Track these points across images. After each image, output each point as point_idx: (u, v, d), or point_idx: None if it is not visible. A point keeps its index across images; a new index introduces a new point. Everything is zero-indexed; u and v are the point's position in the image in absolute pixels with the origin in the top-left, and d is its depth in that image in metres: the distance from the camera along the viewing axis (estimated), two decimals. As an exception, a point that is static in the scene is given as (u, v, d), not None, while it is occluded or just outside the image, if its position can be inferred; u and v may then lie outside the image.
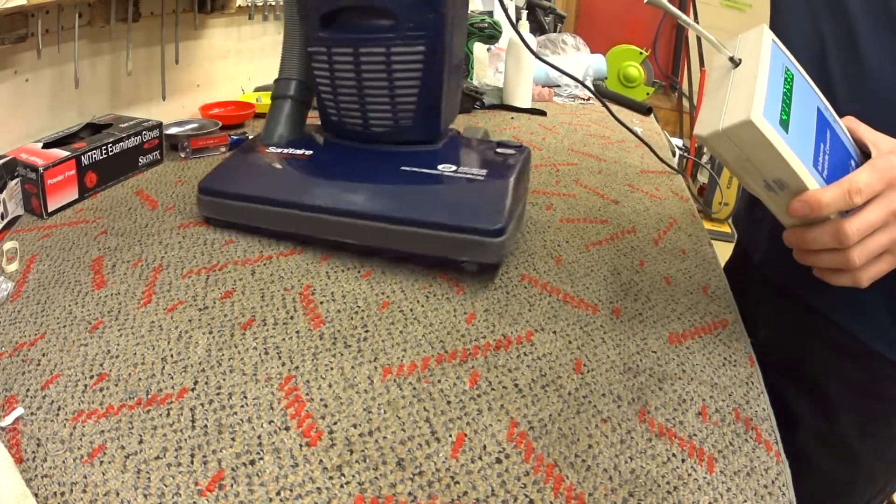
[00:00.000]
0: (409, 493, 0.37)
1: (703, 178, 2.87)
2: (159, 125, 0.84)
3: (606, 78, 1.57)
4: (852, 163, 0.43)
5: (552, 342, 0.52)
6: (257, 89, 1.22)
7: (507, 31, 1.39)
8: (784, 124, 0.39)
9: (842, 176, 0.41)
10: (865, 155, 0.43)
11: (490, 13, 1.55)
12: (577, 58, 1.49)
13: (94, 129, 0.80)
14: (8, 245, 0.60)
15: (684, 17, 0.43)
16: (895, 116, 0.46)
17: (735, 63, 0.43)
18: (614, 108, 1.09)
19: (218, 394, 0.44)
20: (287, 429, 0.41)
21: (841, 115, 0.46)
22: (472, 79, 1.39)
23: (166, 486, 0.37)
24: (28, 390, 0.44)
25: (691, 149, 2.36)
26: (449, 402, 0.45)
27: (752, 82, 0.40)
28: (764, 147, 0.39)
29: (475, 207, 0.58)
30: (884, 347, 0.55)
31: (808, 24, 0.55)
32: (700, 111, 0.44)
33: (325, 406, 0.44)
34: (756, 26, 0.44)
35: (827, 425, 0.60)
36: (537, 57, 0.80)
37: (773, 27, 0.59)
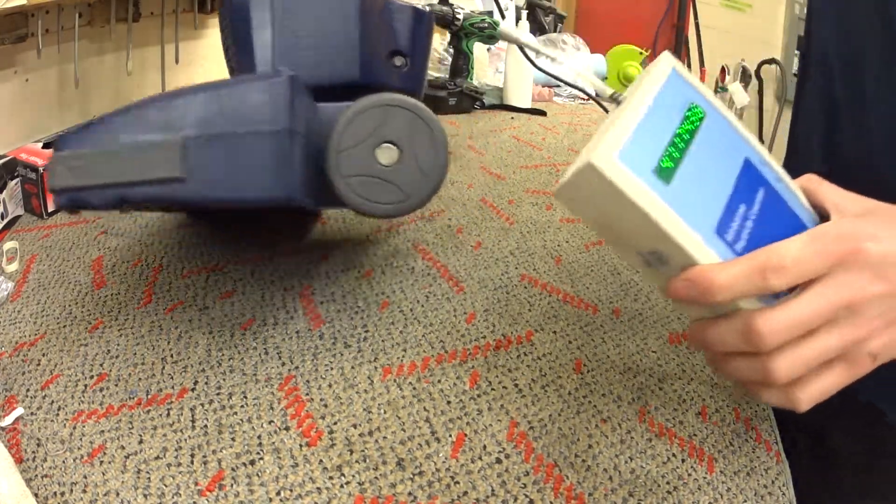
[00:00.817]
0: (409, 493, 0.37)
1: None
2: (159, 125, 0.84)
3: (606, 78, 1.57)
4: None
5: (552, 342, 0.52)
6: (257, 89, 1.22)
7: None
8: (664, 173, 0.29)
9: None
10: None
11: (490, 13, 1.54)
12: (578, 58, 1.49)
13: (94, 129, 0.80)
14: (8, 245, 0.60)
15: (545, 50, 0.33)
16: None
17: (617, 101, 0.34)
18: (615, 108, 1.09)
19: (218, 394, 0.44)
20: (287, 429, 0.41)
21: (876, 132, 0.38)
22: (472, 79, 1.39)
23: (166, 486, 0.37)
24: (28, 390, 0.44)
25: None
26: (449, 402, 0.45)
27: (619, 119, 0.30)
28: (620, 204, 0.28)
29: None
30: (889, 409, 0.51)
31: (842, 30, 0.50)
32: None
33: (325, 406, 0.44)
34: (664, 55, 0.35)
35: (825, 474, 0.56)
36: (535, 66, 0.79)
37: (806, 32, 0.56)
